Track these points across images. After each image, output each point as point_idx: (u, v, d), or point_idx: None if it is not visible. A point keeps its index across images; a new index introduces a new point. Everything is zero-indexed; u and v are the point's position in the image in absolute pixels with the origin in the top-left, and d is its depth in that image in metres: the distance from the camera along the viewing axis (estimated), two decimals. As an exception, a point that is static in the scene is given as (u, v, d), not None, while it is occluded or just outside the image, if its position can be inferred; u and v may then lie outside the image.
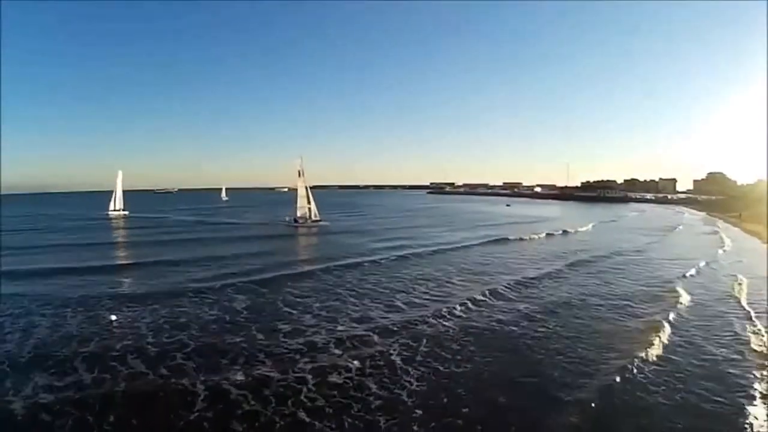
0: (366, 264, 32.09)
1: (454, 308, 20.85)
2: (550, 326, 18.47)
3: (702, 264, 31.80)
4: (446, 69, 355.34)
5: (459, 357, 15.37)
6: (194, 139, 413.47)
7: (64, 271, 29.74)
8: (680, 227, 62.60)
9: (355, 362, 14.79)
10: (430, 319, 19.30)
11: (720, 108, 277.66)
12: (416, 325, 18.68)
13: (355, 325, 18.76)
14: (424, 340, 16.82)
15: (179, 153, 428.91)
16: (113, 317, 19.29)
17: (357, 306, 21.54)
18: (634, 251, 38.62)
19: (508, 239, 46.16)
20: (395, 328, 18.20)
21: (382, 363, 14.82)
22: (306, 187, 60.76)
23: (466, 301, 21.94)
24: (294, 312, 20.53)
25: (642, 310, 20.73)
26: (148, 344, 16.33)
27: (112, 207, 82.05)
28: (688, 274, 28.24)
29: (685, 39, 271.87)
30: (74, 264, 32.22)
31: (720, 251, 38.36)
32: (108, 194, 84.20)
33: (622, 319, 19.55)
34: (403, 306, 21.55)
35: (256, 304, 21.91)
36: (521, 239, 46.56)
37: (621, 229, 59.88)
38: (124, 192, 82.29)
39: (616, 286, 25.60)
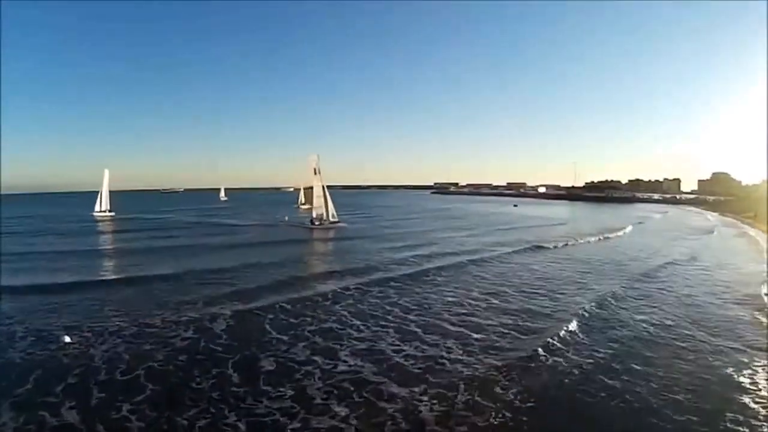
0: (394, 278, 27.48)
1: (503, 340, 16.92)
2: (660, 374, 13.99)
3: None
4: (448, 69, 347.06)
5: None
6: (201, 139, 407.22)
7: (28, 284, 25.94)
8: (715, 231, 58.74)
9: (361, 422, 11.18)
10: (469, 356, 15.32)
11: (722, 108, 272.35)
12: (448, 364, 14.73)
13: (362, 364, 14.65)
14: (462, 386, 12.91)
15: (186, 153, 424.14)
16: (67, 339, 16.44)
17: (368, 335, 17.49)
18: (688, 260, 34.68)
19: (546, 246, 41.03)
20: (416, 370, 14.27)
21: (399, 421, 11.17)
22: (323, 187, 56.44)
23: (520, 330, 17.98)
24: (285, 339, 16.85)
25: (756, 343, 16.59)
26: (95, 384, 13.12)
27: (98, 208, 78.46)
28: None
29: (685, 39, 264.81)
30: (40, 274, 28.68)
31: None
32: (111, 194, 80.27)
33: (744, 360, 15.10)
34: (442, 339, 17.18)
35: (239, 328, 18.20)
36: (558, 246, 41.75)
37: (656, 233, 56.17)
38: (130, 192, 79.01)
39: (702, 307, 21.48)
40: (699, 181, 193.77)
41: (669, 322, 19.02)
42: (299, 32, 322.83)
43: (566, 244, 42.79)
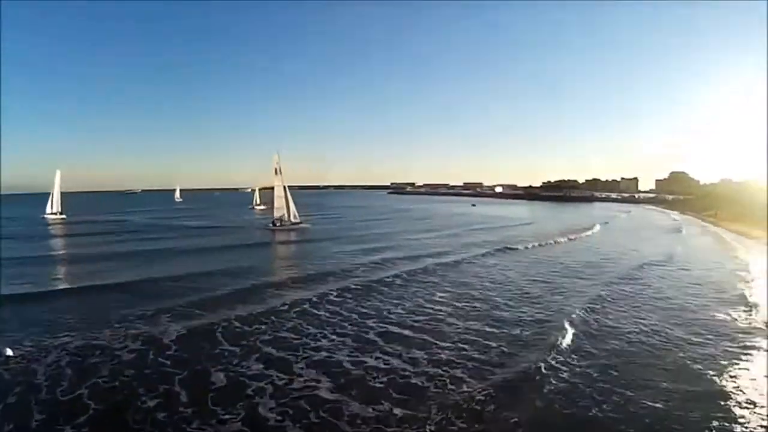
0: (358, 283, 25.34)
1: (472, 348, 15.52)
2: (643, 382, 12.70)
3: (756, 272, 28.06)
4: (403, 70, 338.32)
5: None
6: (161, 139, 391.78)
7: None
8: (683, 229, 59.28)
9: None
10: (435, 368, 13.88)
11: (678, 107, 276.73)
12: (413, 378, 13.22)
13: (318, 378, 13.19)
14: (433, 407, 11.29)
15: (146, 154, 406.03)
16: (9, 352, 15.15)
17: (325, 345, 15.98)
18: (664, 260, 33.85)
19: (515, 248, 39.55)
20: (378, 384, 12.82)
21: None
22: (284, 187, 54.26)
23: (492, 338, 16.50)
24: (237, 351, 15.35)
25: (746, 344, 15.78)
26: (36, 403, 11.88)
27: (48, 210, 73.60)
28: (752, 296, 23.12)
29: (639, 41, 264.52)
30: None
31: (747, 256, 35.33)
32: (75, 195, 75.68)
33: (725, 363, 14.17)
34: (405, 349, 15.54)
35: (190, 339, 16.55)
36: (528, 247, 40.31)
37: (625, 232, 56.43)
38: (94, 193, 74.21)
39: (686, 310, 20.25)
40: (657, 180, 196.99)
41: (653, 326, 17.78)
42: (301, 33, 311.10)
43: (535, 245, 41.48)
